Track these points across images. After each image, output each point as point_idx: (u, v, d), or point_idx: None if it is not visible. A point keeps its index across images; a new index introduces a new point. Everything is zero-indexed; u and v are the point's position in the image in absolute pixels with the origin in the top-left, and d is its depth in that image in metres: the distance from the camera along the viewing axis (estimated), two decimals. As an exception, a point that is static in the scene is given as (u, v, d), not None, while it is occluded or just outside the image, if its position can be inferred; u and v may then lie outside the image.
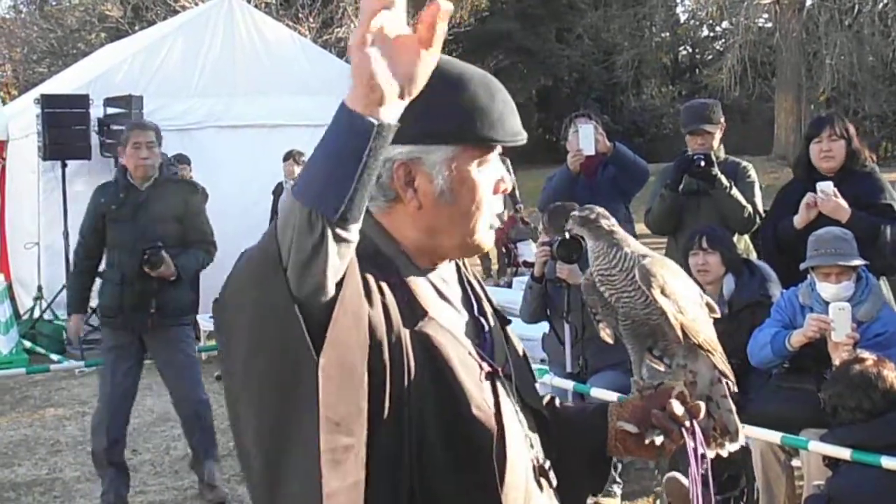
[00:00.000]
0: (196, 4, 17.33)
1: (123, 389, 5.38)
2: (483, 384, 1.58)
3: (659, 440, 1.75)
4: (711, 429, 1.88)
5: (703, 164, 5.36)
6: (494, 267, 12.94)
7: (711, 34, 32.11)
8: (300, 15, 19.92)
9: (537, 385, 1.81)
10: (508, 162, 9.19)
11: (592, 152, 5.81)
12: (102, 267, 5.54)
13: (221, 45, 10.85)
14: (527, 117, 27.71)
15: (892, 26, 23.24)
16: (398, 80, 1.25)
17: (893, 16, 23.20)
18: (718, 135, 5.59)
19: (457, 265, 1.71)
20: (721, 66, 24.66)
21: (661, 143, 25.67)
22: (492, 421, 1.55)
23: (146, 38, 12.59)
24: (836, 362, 4.18)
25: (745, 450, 4.50)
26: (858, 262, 4.47)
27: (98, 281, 5.55)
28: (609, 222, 1.87)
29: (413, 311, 1.53)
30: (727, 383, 1.91)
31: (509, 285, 10.55)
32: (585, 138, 5.80)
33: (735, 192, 5.37)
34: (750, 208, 5.40)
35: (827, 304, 4.38)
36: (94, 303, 5.78)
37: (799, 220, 4.90)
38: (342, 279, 1.31)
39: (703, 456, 1.74)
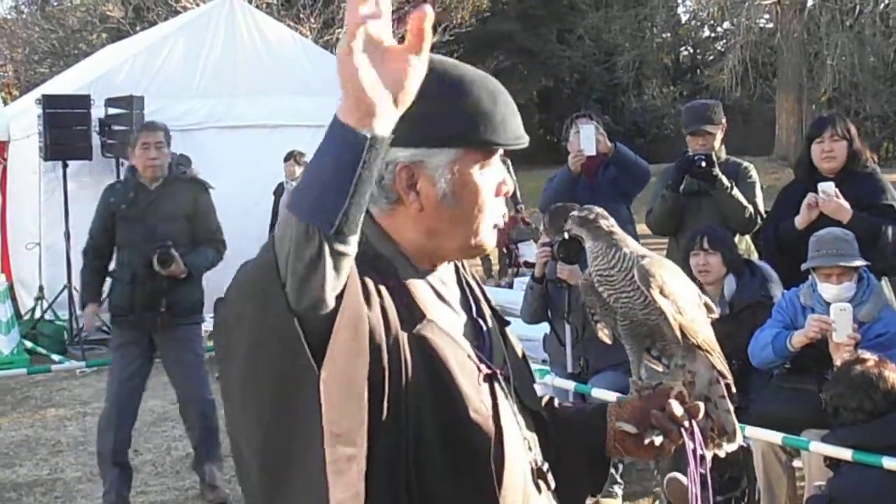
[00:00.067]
0: (197, 5, 17.33)
1: (131, 388, 5.39)
2: (481, 386, 1.57)
3: (658, 440, 1.75)
4: (710, 429, 1.88)
5: (704, 164, 5.35)
6: (495, 267, 12.93)
7: (712, 35, 32.12)
8: (301, 15, 19.92)
9: (538, 386, 1.81)
10: (509, 162, 9.22)
11: (593, 153, 5.81)
12: (112, 266, 5.55)
13: (223, 45, 10.86)
14: (528, 118, 27.69)
15: (894, 27, 23.26)
16: (389, 90, 1.25)
17: (894, 16, 23.19)
18: (720, 135, 5.59)
19: (456, 266, 1.71)
20: (722, 66, 24.64)
21: (662, 143, 25.66)
22: (489, 424, 1.55)
23: (147, 38, 12.59)
24: (838, 363, 4.18)
25: (747, 450, 4.50)
26: (860, 262, 4.47)
27: (108, 280, 5.57)
28: (608, 223, 1.86)
29: (411, 313, 1.53)
30: (725, 383, 1.91)
31: (510, 286, 10.56)
32: (586, 139, 5.80)
33: (736, 192, 5.37)
34: (751, 209, 5.40)
35: (828, 304, 4.38)
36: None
37: (800, 221, 4.90)
38: (342, 291, 1.31)
39: (703, 456, 1.75)
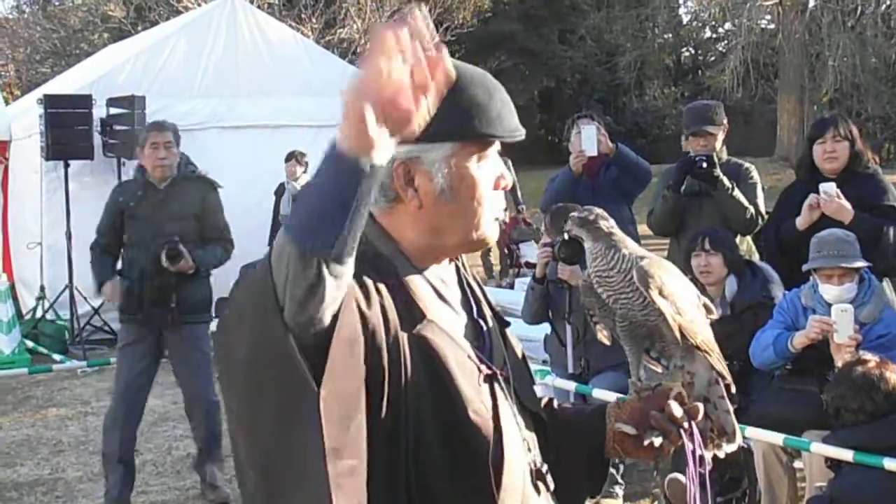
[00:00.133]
0: (199, 5, 17.34)
1: (138, 387, 5.41)
2: (481, 387, 1.58)
3: (657, 442, 1.74)
4: (709, 430, 1.88)
5: (705, 165, 5.35)
6: (496, 268, 12.93)
7: (714, 35, 32.11)
8: (303, 15, 19.91)
9: (539, 386, 1.82)
10: (510, 162, 9.22)
11: (595, 153, 5.81)
12: (120, 265, 5.57)
13: (224, 45, 10.86)
14: (529, 118, 27.58)
15: (895, 28, 23.23)
16: (393, 124, 1.26)
17: (896, 17, 23.20)
18: (721, 136, 5.59)
19: (457, 267, 1.71)
20: (724, 67, 24.61)
21: (663, 144, 25.63)
22: (489, 425, 1.55)
23: (149, 38, 12.59)
24: (839, 364, 4.18)
25: (748, 451, 4.50)
26: (861, 263, 4.46)
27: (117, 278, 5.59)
28: (608, 224, 1.86)
29: (411, 313, 1.53)
30: (724, 384, 1.91)
31: (511, 286, 10.55)
32: (588, 139, 5.79)
33: (737, 193, 5.37)
34: (752, 209, 5.40)
35: (829, 305, 4.38)
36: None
37: (801, 222, 4.90)
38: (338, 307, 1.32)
39: (702, 457, 1.75)
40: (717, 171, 5.35)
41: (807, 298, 4.56)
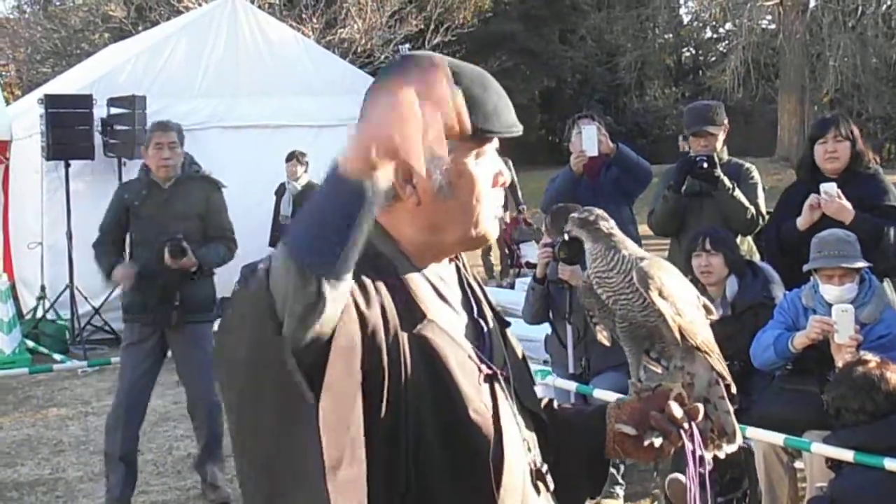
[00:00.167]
0: (199, 5, 17.33)
1: (141, 386, 5.43)
2: (481, 387, 1.58)
3: (657, 442, 1.74)
4: (709, 430, 1.88)
5: (705, 165, 5.35)
6: (497, 268, 12.93)
7: (715, 36, 32.10)
8: (304, 15, 19.89)
9: (540, 386, 1.82)
10: (510, 162, 9.22)
11: (595, 153, 5.81)
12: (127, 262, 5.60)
13: (225, 45, 10.85)
14: (530, 118, 27.58)
15: (896, 28, 23.25)
16: (402, 157, 1.27)
17: (897, 17, 23.20)
18: (722, 136, 5.59)
19: (457, 266, 1.71)
20: (724, 67, 24.62)
21: (664, 144, 25.62)
22: (489, 425, 1.55)
23: (150, 38, 12.59)
24: (840, 364, 4.18)
25: (748, 451, 4.50)
26: (862, 264, 4.46)
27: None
28: (608, 224, 1.86)
29: (412, 313, 1.53)
30: (725, 385, 1.91)
31: (512, 286, 10.55)
32: (588, 139, 5.79)
33: (738, 193, 5.37)
34: (753, 210, 5.40)
35: (830, 306, 4.38)
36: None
37: (802, 222, 4.90)
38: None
39: (702, 458, 1.74)
40: (718, 172, 5.35)
41: (807, 299, 4.56)
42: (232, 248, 5.57)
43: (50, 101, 9.72)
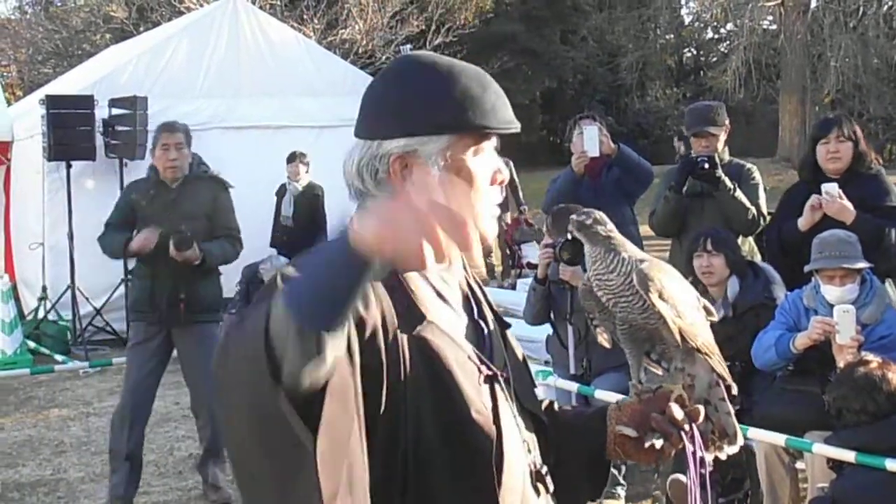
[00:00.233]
0: (201, 6, 17.34)
1: (147, 386, 5.45)
2: (482, 388, 1.58)
3: (658, 444, 1.74)
4: (710, 432, 1.88)
5: (706, 166, 5.35)
6: (498, 268, 12.93)
7: (716, 36, 32.06)
8: (305, 16, 19.89)
9: (541, 387, 1.82)
10: (511, 163, 9.22)
11: (597, 154, 5.81)
12: (133, 264, 5.60)
13: (226, 46, 10.86)
14: (531, 119, 27.51)
15: (898, 28, 23.24)
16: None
17: (899, 18, 23.19)
18: (723, 137, 5.59)
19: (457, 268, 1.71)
20: (725, 68, 24.60)
21: (665, 145, 25.56)
22: (490, 425, 1.55)
23: (151, 39, 12.61)
24: (841, 365, 4.18)
25: (750, 452, 4.50)
26: (863, 264, 4.46)
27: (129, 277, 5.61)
28: (606, 227, 1.86)
29: (411, 314, 1.53)
30: (725, 386, 1.91)
31: (513, 287, 10.55)
32: (590, 140, 5.79)
33: (739, 194, 5.37)
34: (754, 210, 5.40)
35: (831, 306, 4.38)
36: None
37: (804, 222, 4.90)
38: None
39: (703, 459, 1.74)
40: (719, 172, 5.35)
41: (809, 299, 4.56)
42: (237, 246, 5.59)
43: (51, 101, 9.72)
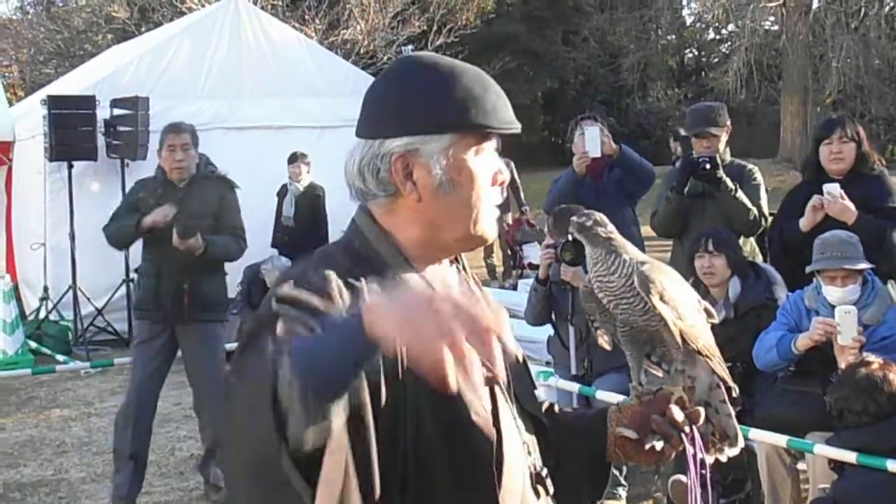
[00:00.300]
0: (202, 6, 17.35)
1: (151, 384, 5.47)
2: (482, 390, 1.58)
3: (658, 445, 1.74)
4: (710, 434, 1.88)
5: (708, 166, 5.35)
6: (499, 269, 12.93)
7: (717, 37, 32.07)
8: (306, 17, 19.89)
9: (542, 388, 1.82)
10: (512, 164, 9.21)
11: (598, 154, 5.81)
12: (137, 263, 5.61)
13: (228, 46, 10.86)
14: (532, 119, 27.46)
15: (899, 29, 23.23)
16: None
17: (900, 19, 23.18)
18: (724, 137, 5.58)
19: (458, 269, 1.71)
20: (727, 68, 24.62)
21: (666, 145, 25.61)
22: (490, 427, 1.55)
23: (153, 39, 12.61)
24: (842, 366, 4.17)
25: (751, 453, 4.50)
26: (864, 265, 4.46)
27: (135, 276, 5.62)
28: (606, 229, 1.86)
29: None
30: (726, 387, 1.91)
31: (514, 287, 10.55)
32: (591, 140, 5.79)
33: (740, 194, 5.37)
34: (755, 211, 5.39)
35: (833, 307, 4.38)
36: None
37: (805, 223, 4.89)
38: None
39: (703, 461, 1.74)
40: (721, 173, 5.34)
41: (810, 300, 4.56)
42: (241, 245, 5.61)
43: (53, 102, 9.73)
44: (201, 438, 5.76)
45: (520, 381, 1.70)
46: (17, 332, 9.18)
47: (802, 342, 4.38)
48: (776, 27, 25.14)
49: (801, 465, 4.55)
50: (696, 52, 33.68)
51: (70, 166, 9.70)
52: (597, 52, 29.41)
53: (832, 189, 4.82)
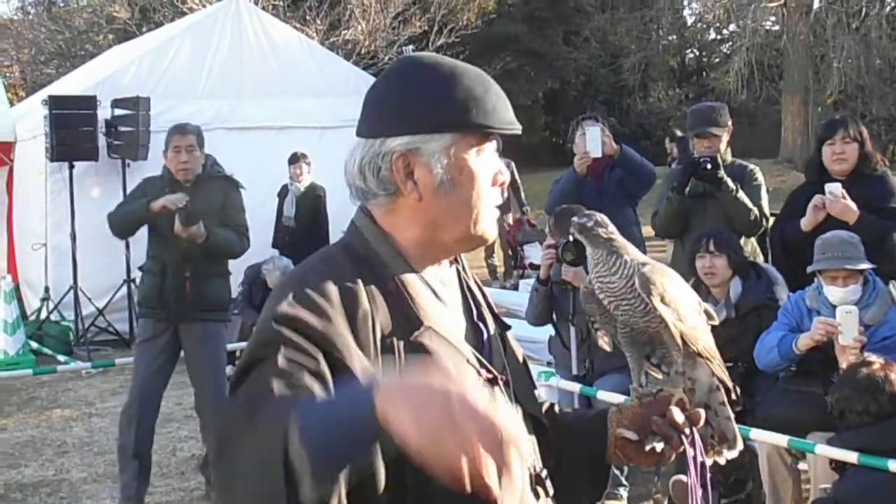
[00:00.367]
0: (203, 6, 17.35)
1: (154, 383, 5.48)
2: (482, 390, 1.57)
3: (659, 447, 1.74)
4: (710, 436, 1.87)
5: (709, 167, 5.35)
6: (500, 269, 12.93)
7: (718, 37, 32.05)
8: (307, 17, 19.88)
9: (543, 388, 1.82)
10: (513, 164, 9.21)
11: (599, 155, 5.81)
12: (143, 261, 5.65)
13: (229, 46, 10.87)
14: (533, 120, 27.44)
15: (900, 29, 23.22)
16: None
17: (901, 19, 23.17)
18: (725, 138, 5.58)
19: (457, 270, 1.71)
20: (728, 69, 24.60)
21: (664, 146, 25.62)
22: None
23: (154, 39, 12.61)
24: (844, 366, 4.17)
25: (752, 453, 4.50)
26: (865, 265, 4.46)
27: (139, 274, 5.63)
28: (607, 230, 1.86)
29: (408, 319, 1.53)
30: (725, 390, 1.91)
31: (515, 288, 10.55)
32: (592, 141, 5.79)
33: (741, 195, 5.36)
34: (756, 211, 5.39)
35: (834, 307, 4.38)
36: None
37: (806, 223, 4.89)
38: None
39: (703, 463, 1.74)
40: (722, 173, 5.34)
41: (811, 300, 4.55)
42: (244, 242, 5.63)
43: (54, 102, 9.73)
44: (202, 438, 5.76)
45: (520, 382, 1.69)
46: (18, 333, 9.19)
47: (804, 342, 4.38)
48: (777, 27, 25.13)
49: (802, 466, 4.55)
50: (697, 53, 33.67)
51: (71, 166, 9.70)
52: (598, 53, 29.41)
53: (834, 188, 4.82)
